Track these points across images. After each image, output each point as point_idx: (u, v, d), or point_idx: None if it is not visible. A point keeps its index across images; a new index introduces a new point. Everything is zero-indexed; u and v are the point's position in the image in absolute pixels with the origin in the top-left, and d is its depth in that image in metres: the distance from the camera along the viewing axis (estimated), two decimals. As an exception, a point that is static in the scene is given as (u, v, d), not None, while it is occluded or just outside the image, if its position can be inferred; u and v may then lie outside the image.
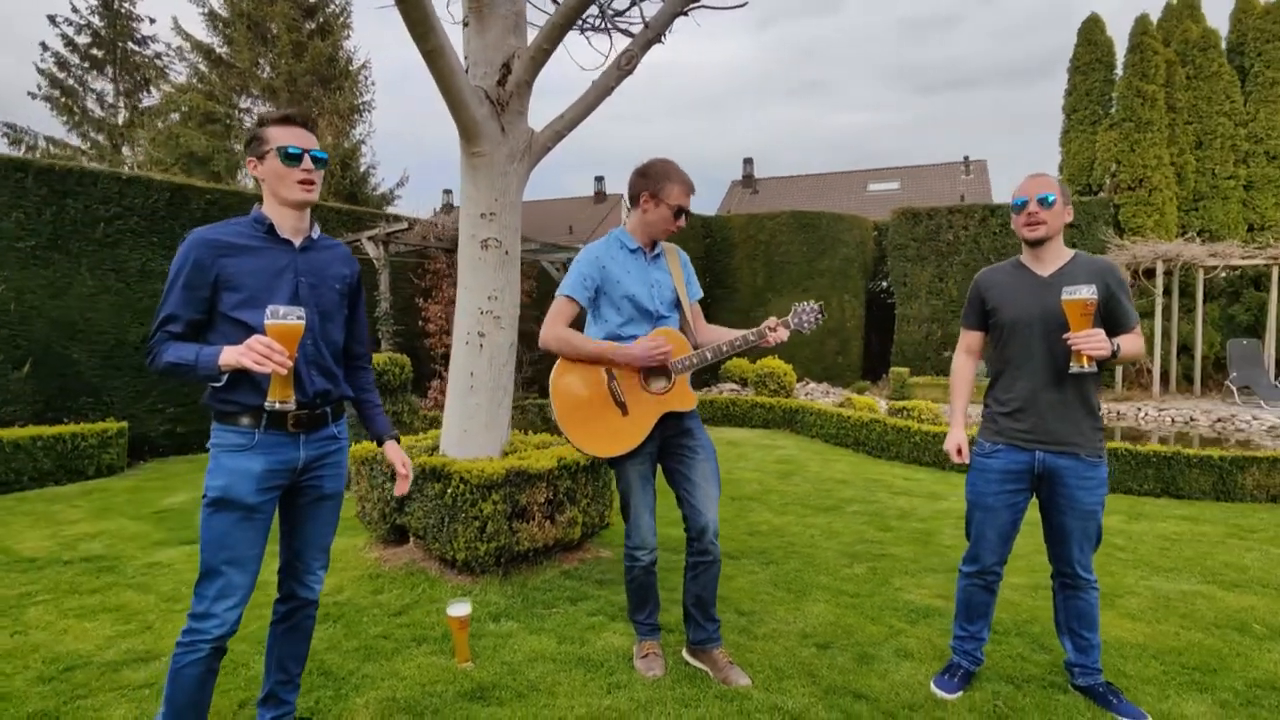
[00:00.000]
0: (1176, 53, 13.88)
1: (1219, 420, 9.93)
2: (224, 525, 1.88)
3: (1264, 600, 3.47)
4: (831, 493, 5.80)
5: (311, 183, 1.96)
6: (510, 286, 4.07)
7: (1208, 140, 13.56)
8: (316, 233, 2.07)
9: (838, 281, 14.49)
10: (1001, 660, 2.84)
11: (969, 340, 2.71)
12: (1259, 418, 9.77)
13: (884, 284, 15.48)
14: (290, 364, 1.76)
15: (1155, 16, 14.25)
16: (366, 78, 20.88)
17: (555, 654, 2.87)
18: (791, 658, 2.86)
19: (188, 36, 19.79)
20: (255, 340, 1.73)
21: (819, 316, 2.68)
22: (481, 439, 3.96)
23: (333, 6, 20.59)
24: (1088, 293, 2.22)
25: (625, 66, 4.17)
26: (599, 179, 30.85)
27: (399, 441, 2.29)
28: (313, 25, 20.37)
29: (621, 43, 5.70)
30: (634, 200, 2.70)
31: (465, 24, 4.21)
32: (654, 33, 4.18)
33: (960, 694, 2.58)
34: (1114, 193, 13.57)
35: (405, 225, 7.95)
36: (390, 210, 17.95)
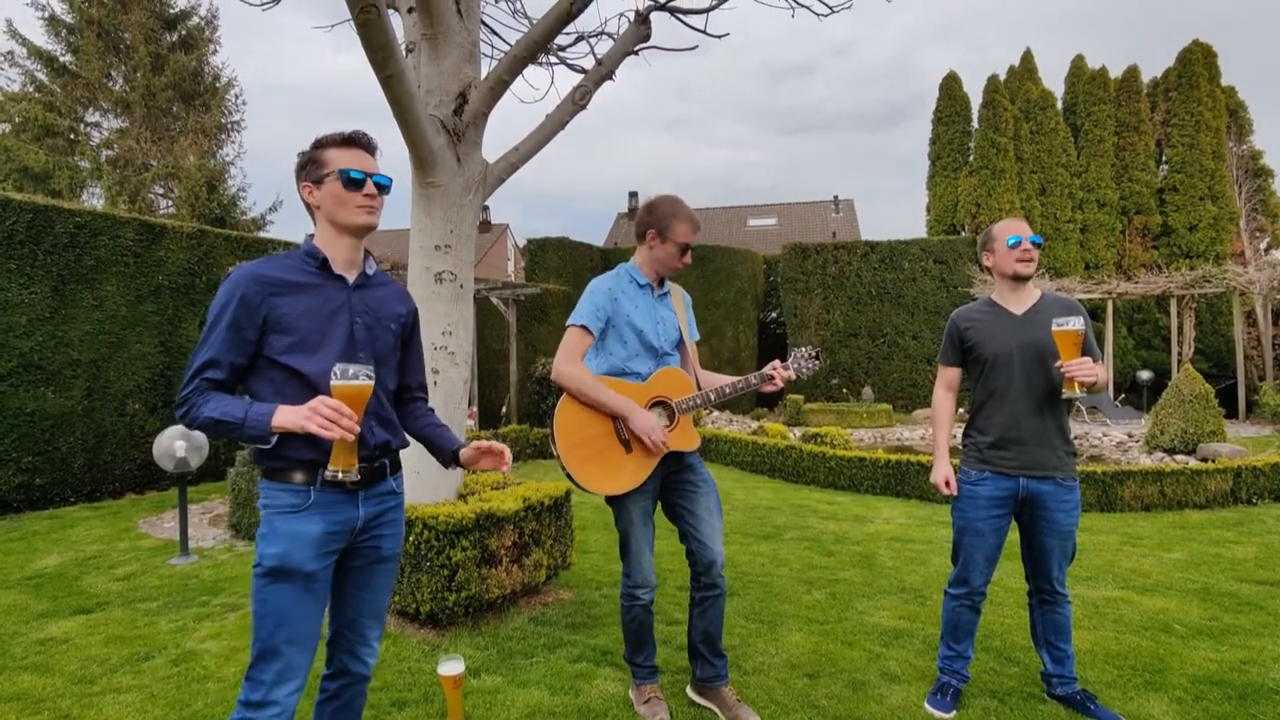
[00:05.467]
0: (1021, 110, 15.60)
1: (1075, 438, 11.01)
2: (284, 598, 1.67)
3: (1174, 602, 3.86)
4: (765, 520, 5.93)
5: (374, 208, 1.81)
6: (465, 321, 3.93)
7: (1050, 188, 15.28)
8: (372, 268, 1.90)
9: (732, 313, 15.01)
10: (978, 675, 2.98)
11: (948, 376, 2.87)
12: (1108, 434, 10.95)
13: (774, 315, 16.19)
14: (358, 429, 1.60)
15: (970, 76, 16.03)
16: (237, 95, 19.63)
17: (552, 707, 2.74)
18: (788, 690, 2.88)
19: (24, 41, 17.83)
20: (321, 403, 1.56)
21: (815, 363, 2.75)
22: (436, 481, 3.76)
23: (196, 19, 19.28)
24: (1078, 324, 2.42)
25: (579, 101, 4.18)
26: (484, 208, 30.50)
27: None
28: (174, 38, 18.97)
29: (563, 78, 5.72)
30: (640, 236, 2.69)
31: (410, 49, 4.08)
32: (606, 70, 4.22)
33: (954, 713, 2.68)
34: (976, 233, 14.94)
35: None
36: (263, 235, 16.83)
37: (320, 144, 1.80)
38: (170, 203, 18.72)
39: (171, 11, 18.79)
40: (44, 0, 17.83)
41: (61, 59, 18.08)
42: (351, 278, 1.84)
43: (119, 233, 7.20)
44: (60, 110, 18.01)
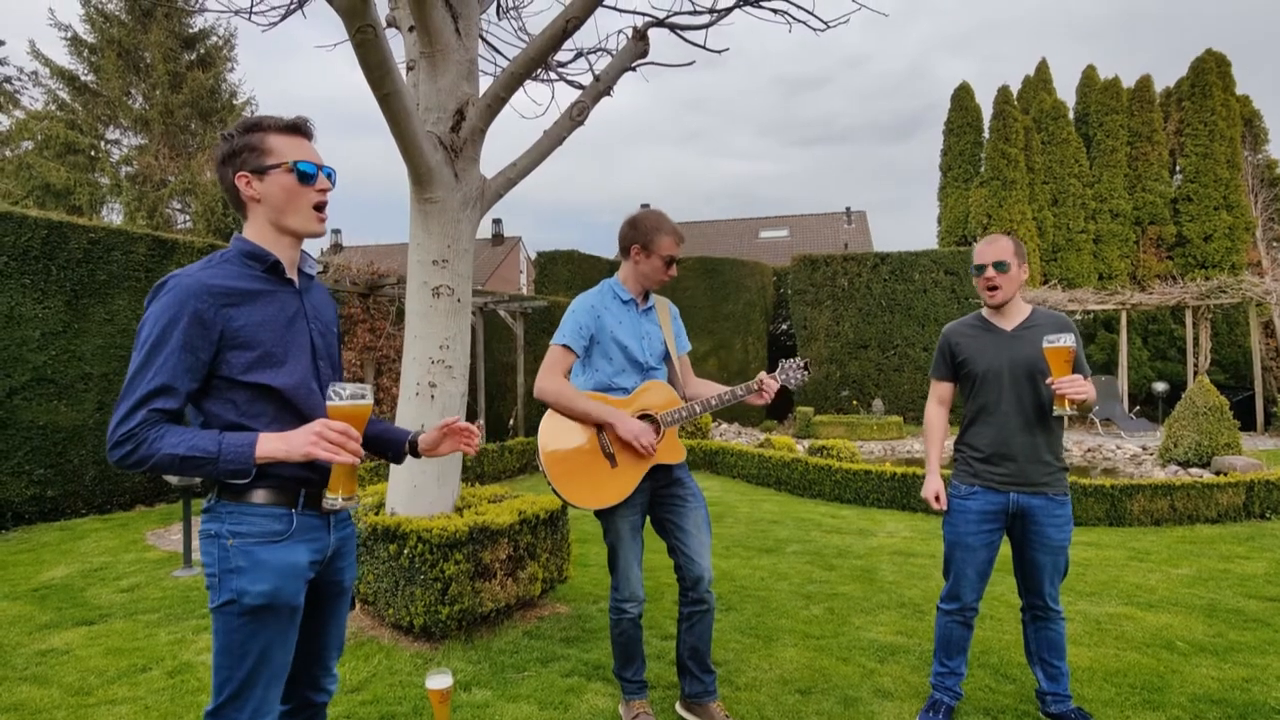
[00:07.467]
0: (1033, 120, 15.54)
1: (1089, 450, 10.90)
2: (268, 637, 1.49)
3: (1178, 618, 3.80)
4: (767, 533, 5.90)
5: (325, 205, 1.63)
6: (461, 335, 3.95)
7: (1062, 198, 15.18)
8: (311, 267, 1.70)
9: (741, 325, 14.99)
10: (973, 693, 2.95)
11: (940, 391, 2.86)
12: (1122, 446, 10.81)
13: (784, 327, 16.15)
14: (363, 452, 1.48)
15: (987, 87, 16.04)
16: (252, 113, 19.95)
17: (540, 722, 2.73)
18: (779, 706, 2.86)
19: (46, 61, 18.26)
20: (325, 425, 1.41)
21: (804, 374, 2.74)
22: (433, 495, 3.78)
23: (215, 38, 19.68)
24: (1068, 341, 2.40)
25: (577, 117, 4.21)
26: (496, 221, 30.69)
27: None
28: (192, 56, 19.37)
29: (562, 93, 5.78)
30: (625, 251, 2.70)
31: (410, 67, 4.14)
32: (604, 85, 4.25)
33: (946, 731, 2.65)
34: (986, 243, 14.89)
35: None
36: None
37: (260, 127, 1.58)
38: (187, 218, 19.05)
39: (190, 31, 19.18)
40: (66, 21, 18.32)
41: (83, 78, 18.51)
42: (296, 280, 1.66)
43: (131, 248, 7.31)
44: (81, 128, 18.41)
